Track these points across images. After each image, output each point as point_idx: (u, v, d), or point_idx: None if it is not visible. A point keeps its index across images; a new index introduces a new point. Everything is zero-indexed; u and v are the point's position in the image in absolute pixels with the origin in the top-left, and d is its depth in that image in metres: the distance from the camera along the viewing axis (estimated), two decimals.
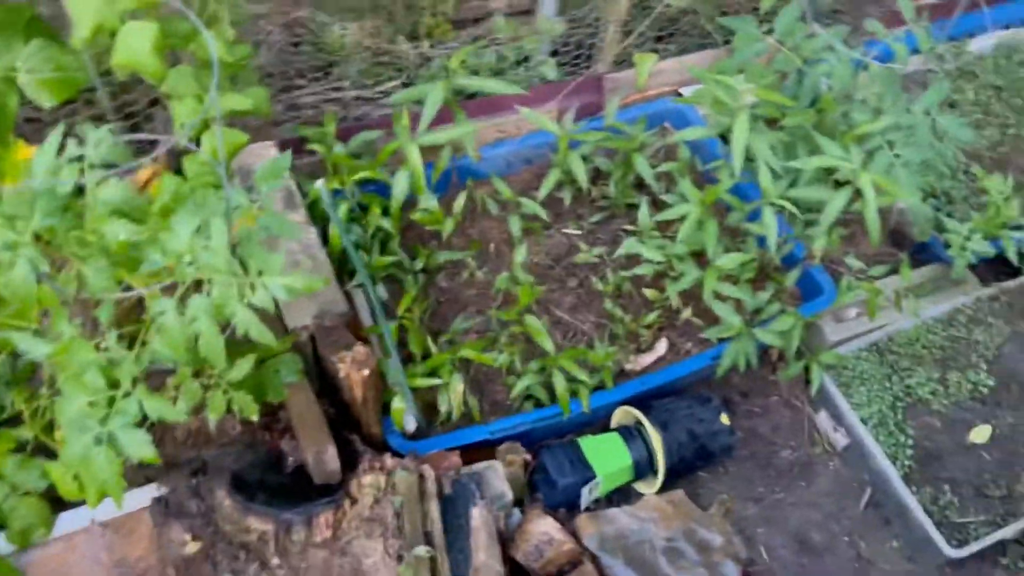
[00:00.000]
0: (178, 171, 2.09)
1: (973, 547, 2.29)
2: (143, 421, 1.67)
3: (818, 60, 2.64)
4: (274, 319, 2.15)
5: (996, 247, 2.74)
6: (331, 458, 1.93)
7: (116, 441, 1.58)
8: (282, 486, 2.00)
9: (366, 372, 1.95)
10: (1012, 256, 2.74)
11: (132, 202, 1.47)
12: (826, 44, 2.58)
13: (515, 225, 2.65)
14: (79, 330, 1.74)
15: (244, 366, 1.87)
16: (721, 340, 2.46)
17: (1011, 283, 2.81)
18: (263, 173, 1.85)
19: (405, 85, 2.99)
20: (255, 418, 1.88)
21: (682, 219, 2.37)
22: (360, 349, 1.98)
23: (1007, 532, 2.34)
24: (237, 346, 1.96)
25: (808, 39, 2.63)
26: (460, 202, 2.60)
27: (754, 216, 2.56)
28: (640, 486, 2.51)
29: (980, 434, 2.51)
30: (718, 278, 2.36)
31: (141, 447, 1.58)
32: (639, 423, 2.45)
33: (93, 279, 1.49)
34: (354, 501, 2.01)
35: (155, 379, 2.11)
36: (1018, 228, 2.79)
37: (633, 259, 2.59)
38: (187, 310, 1.49)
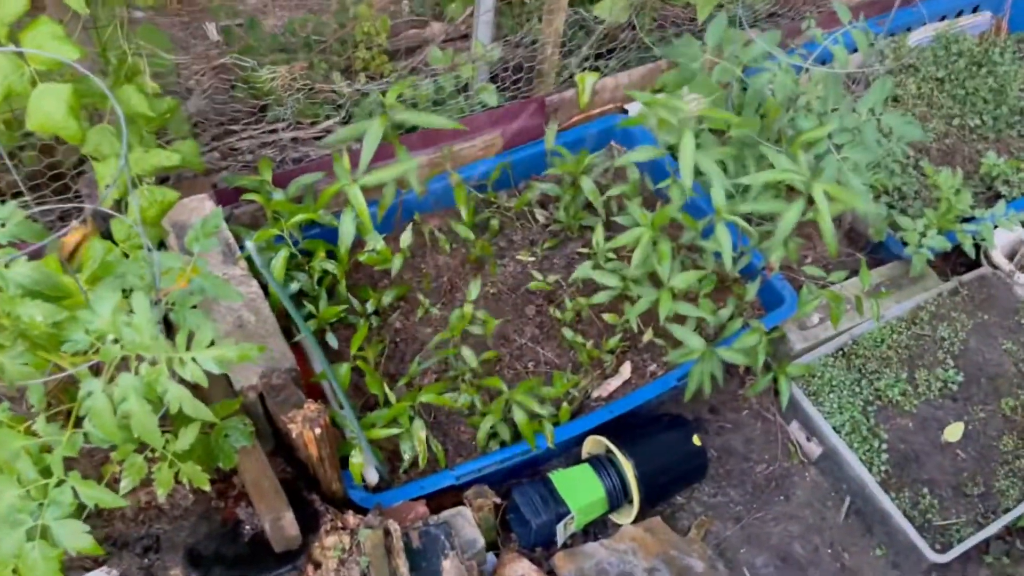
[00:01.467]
0: (108, 234, 2.00)
1: (957, 550, 2.25)
2: (81, 509, 1.58)
3: (759, 68, 2.61)
4: (220, 381, 2.05)
5: (951, 240, 2.73)
6: (289, 524, 1.84)
7: (51, 534, 1.48)
8: (240, 557, 1.90)
9: (319, 430, 1.87)
10: (968, 249, 2.73)
11: (46, 281, 1.38)
12: (764, 52, 2.55)
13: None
14: (7, 414, 1.64)
15: (189, 435, 1.77)
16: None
17: (969, 275, 2.80)
18: (194, 234, 1.77)
19: (344, 122, 2.92)
20: (207, 488, 1.79)
21: (636, 241, 2.32)
22: (311, 406, 1.89)
23: (989, 531, 2.30)
24: (181, 413, 1.87)
25: (745, 47, 2.60)
26: (406, 238, 2.52)
27: (709, 231, 2.52)
28: (616, 516, 2.44)
29: (954, 432, 2.48)
30: (673, 298, 2.31)
31: (78, 538, 1.48)
32: (610, 452, 2.39)
33: (10, 367, 1.39)
34: (317, 565, 1.92)
35: (98, 454, 2.01)
36: (970, 220, 2.79)
37: (590, 283, 2.54)
38: (116, 390, 1.40)
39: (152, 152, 2.01)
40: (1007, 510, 2.35)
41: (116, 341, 1.38)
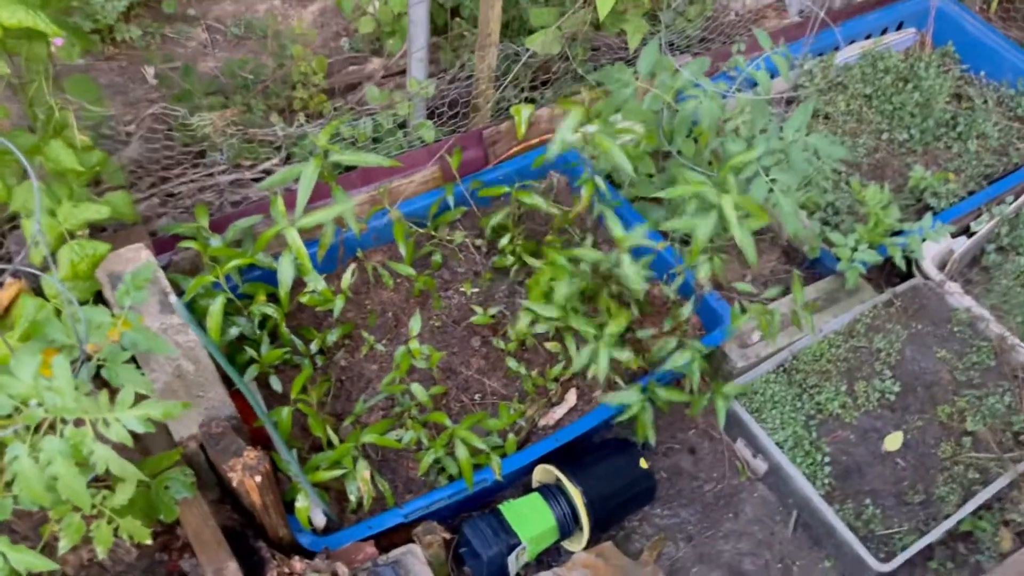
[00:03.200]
0: (40, 289, 1.99)
1: (901, 558, 2.30)
2: (15, 573, 1.56)
3: (688, 94, 2.68)
4: (160, 432, 2.05)
5: (882, 254, 2.80)
6: (233, 575, 1.83)
7: None
8: None
9: (259, 478, 1.86)
10: (899, 261, 2.81)
11: None
12: (691, 80, 2.61)
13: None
14: None
15: (126, 490, 1.76)
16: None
17: (902, 287, 2.87)
18: (125, 287, 1.77)
19: (285, 161, 2.93)
20: (148, 542, 1.78)
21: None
22: (251, 454, 1.89)
23: (930, 538, 2.35)
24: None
25: (675, 75, 2.67)
26: (347, 279, 2.53)
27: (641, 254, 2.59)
28: (568, 544, 2.45)
29: (893, 441, 2.54)
30: (611, 344, 2.34)
31: None
32: (559, 480, 2.40)
33: None
34: None
35: (37, 513, 1.99)
36: (900, 233, 2.86)
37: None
38: (42, 453, 1.39)
39: (82, 206, 2.01)
40: (947, 516, 2.40)
41: (40, 404, 1.37)
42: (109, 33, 3.58)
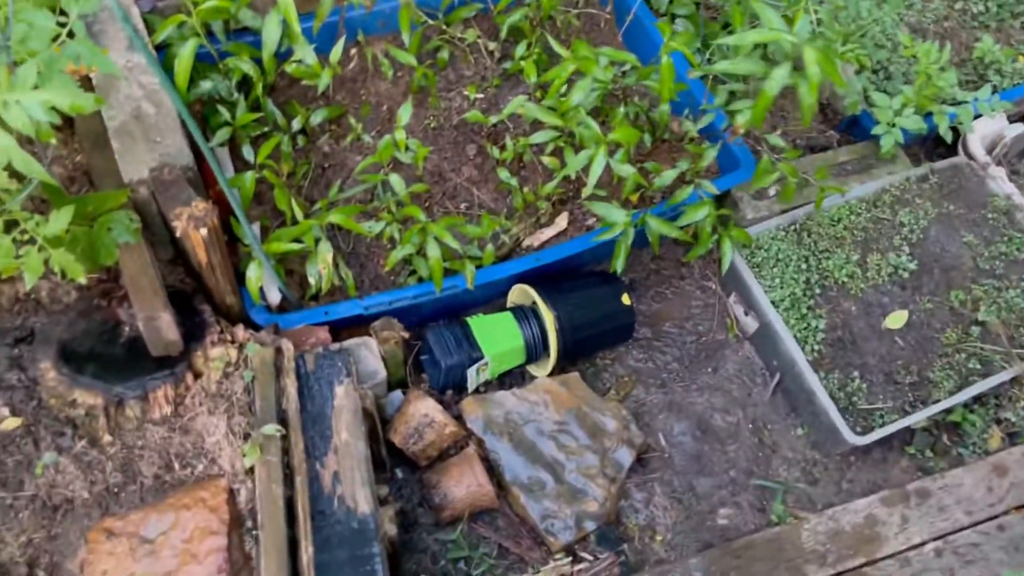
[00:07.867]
0: None
1: (877, 434, 2.18)
2: None
3: None
4: (111, 175, 1.91)
5: (928, 123, 2.54)
6: (165, 325, 1.72)
7: None
8: (116, 358, 1.79)
9: (205, 231, 1.73)
10: (944, 132, 2.55)
11: None
12: None
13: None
14: None
15: (62, 219, 1.63)
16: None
17: (942, 163, 2.63)
18: None
19: None
20: (83, 280, 1.66)
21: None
22: (199, 205, 1.74)
23: (914, 419, 2.22)
24: (57, 196, 1.73)
25: None
26: (337, 52, 2.30)
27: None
28: (534, 368, 2.34)
29: (896, 319, 2.37)
30: (609, 154, 2.11)
31: None
32: (535, 303, 2.27)
33: None
34: (198, 375, 1.82)
35: None
36: (953, 103, 2.60)
37: (536, 124, 2.36)
38: None
39: None
40: (936, 401, 2.26)
41: None
42: None
